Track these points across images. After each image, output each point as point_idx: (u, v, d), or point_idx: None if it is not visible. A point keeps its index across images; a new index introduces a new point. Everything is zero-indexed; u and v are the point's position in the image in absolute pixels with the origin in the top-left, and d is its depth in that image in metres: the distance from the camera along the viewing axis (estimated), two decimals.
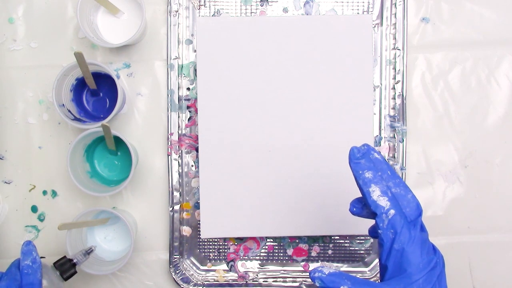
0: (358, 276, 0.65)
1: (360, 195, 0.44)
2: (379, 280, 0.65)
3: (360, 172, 0.43)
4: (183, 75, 0.65)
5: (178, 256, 0.65)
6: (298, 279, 0.65)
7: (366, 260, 0.66)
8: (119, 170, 0.65)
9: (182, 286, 0.64)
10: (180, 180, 0.65)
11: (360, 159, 0.44)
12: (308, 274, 0.65)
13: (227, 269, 0.66)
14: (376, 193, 0.42)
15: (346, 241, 0.66)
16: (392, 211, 0.41)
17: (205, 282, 0.65)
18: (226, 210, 0.62)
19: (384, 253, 0.41)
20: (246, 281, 0.65)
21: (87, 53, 0.65)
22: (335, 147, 0.62)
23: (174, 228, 0.65)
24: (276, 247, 0.66)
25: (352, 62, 0.62)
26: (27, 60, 0.66)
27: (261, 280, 0.65)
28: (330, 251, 0.66)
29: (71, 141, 0.65)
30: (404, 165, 0.64)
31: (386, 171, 0.43)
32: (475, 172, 0.65)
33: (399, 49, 0.64)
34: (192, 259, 0.66)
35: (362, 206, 0.45)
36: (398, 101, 0.64)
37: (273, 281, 0.65)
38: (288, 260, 0.66)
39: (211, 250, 0.66)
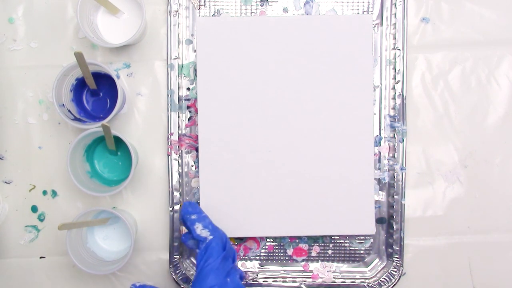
0: (358, 276, 0.65)
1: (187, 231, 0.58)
2: (379, 280, 0.65)
3: (188, 216, 0.57)
4: (183, 75, 0.65)
5: (178, 256, 0.65)
6: (298, 279, 0.65)
7: (366, 260, 0.66)
8: (119, 170, 0.65)
9: (182, 286, 0.64)
10: (180, 180, 0.65)
11: (188, 207, 0.58)
12: (308, 273, 0.65)
13: None
14: (199, 228, 0.56)
15: (346, 241, 0.66)
16: (210, 237, 0.55)
17: None
18: (226, 210, 0.62)
19: (196, 270, 0.54)
20: (246, 281, 0.65)
21: (87, 53, 0.65)
22: (335, 147, 0.62)
23: (174, 228, 0.65)
24: (276, 247, 0.66)
25: (352, 62, 0.62)
26: (27, 60, 0.66)
27: (261, 280, 0.65)
28: (330, 251, 0.66)
29: (71, 141, 0.65)
30: (404, 165, 0.64)
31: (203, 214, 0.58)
32: (475, 172, 0.65)
33: (399, 49, 0.64)
34: (192, 259, 0.66)
35: (190, 238, 0.59)
36: (398, 101, 0.64)
37: (273, 281, 0.65)
38: (288, 260, 0.66)
39: None
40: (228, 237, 0.58)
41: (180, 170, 0.65)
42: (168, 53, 0.64)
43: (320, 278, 0.65)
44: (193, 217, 0.57)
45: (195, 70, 0.64)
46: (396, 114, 0.64)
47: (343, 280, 0.65)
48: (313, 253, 0.66)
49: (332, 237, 0.66)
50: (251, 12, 0.65)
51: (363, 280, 0.65)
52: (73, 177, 0.59)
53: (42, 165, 0.66)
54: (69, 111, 0.61)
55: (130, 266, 0.66)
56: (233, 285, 0.54)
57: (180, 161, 0.65)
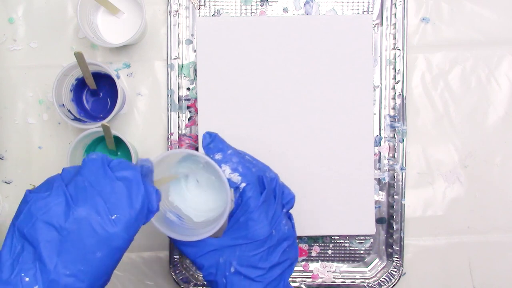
0: (358, 276, 0.65)
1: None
2: (379, 280, 0.65)
3: (210, 156, 0.48)
4: (183, 75, 0.65)
5: (178, 256, 0.65)
6: (298, 279, 0.65)
7: (366, 260, 0.66)
8: None
9: (182, 286, 0.64)
10: None
11: (210, 143, 0.49)
12: (308, 273, 0.65)
13: None
14: (227, 172, 0.47)
15: (346, 241, 0.66)
16: (243, 184, 0.47)
17: (205, 282, 0.65)
18: None
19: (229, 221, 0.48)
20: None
21: (87, 53, 0.65)
22: (335, 147, 0.62)
23: None
24: None
25: (352, 62, 0.62)
26: (27, 60, 0.66)
27: None
28: (330, 251, 0.66)
29: (71, 141, 0.65)
30: (404, 165, 0.64)
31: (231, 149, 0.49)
32: (475, 172, 0.65)
33: (399, 49, 0.64)
34: None
35: None
36: (398, 101, 0.64)
37: None
38: None
39: None
40: (266, 173, 0.49)
41: None
42: (168, 53, 0.64)
43: (320, 278, 0.65)
44: (218, 156, 0.49)
45: (195, 70, 0.64)
46: (396, 114, 0.64)
47: (343, 280, 0.65)
48: (313, 253, 0.66)
49: (332, 237, 0.66)
50: (251, 12, 0.65)
51: (363, 280, 0.65)
52: None
53: (42, 165, 0.66)
54: (69, 111, 0.61)
55: (130, 266, 0.66)
56: (278, 236, 0.48)
57: None
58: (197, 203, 0.54)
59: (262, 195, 0.47)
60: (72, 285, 0.38)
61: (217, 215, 0.51)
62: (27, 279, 0.38)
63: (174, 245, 0.48)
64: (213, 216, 0.52)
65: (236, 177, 0.47)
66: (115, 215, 0.40)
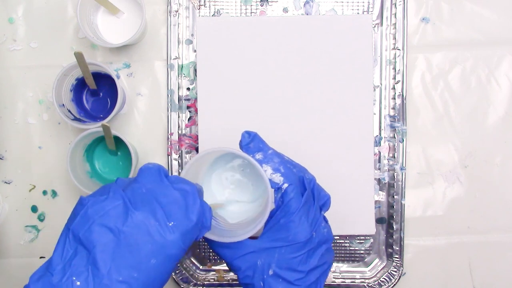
0: (358, 276, 0.65)
1: None
2: (379, 280, 0.65)
3: (250, 155, 0.47)
4: (183, 75, 0.65)
5: None
6: None
7: (366, 260, 0.66)
8: (119, 170, 0.65)
9: (182, 286, 0.64)
10: None
11: (250, 143, 0.48)
12: None
13: (227, 269, 0.65)
14: (268, 172, 0.46)
15: (346, 241, 0.66)
16: (285, 185, 0.46)
17: (205, 282, 0.65)
18: None
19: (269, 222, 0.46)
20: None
21: (87, 53, 0.65)
22: (335, 147, 0.62)
23: None
24: None
25: (352, 62, 0.62)
26: (27, 60, 0.66)
27: None
28: None
29: (71, 141, 0.65)
30: (404, 165, 0.64)
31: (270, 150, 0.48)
32: (475, 172, 0.65)
33: (399, 49, 0.64)
34: (192, 259, 0.66)
35: None
36: (398, 101, 0.64)
37: None
38: None
39: (211, 250, 0.66)
40: (305, 174, 0.48)
41: (180, 170, 0.65)
42: (168, 53, 0.64)
43: None
44: (258, 156, 0.47)
45: (195, 70, 0.64)
46: (396, 114, 0.64)
47: (343, 280, 0.65)
48: None
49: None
50: (251, 12, 0.65)
51: (363, 280, 0.65)
52: (73, 177, 0.59)
53: (42, 165, 0.66)
54: (69, 111, 0.61)
55: None
56: (318, 238, 0.47)
57: (180, 161, 0.65)
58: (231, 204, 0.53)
59: (303, 196, 0.46)
60: None
61: (251, 216, 0.50)
62: (78, 283, 0.36)
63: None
64: (247, 217, 0.51)
65: (278, 178, 0.46)
66: (172, 223, 0.39)
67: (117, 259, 0.37)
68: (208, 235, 0.46)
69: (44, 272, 0.38)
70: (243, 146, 0.48)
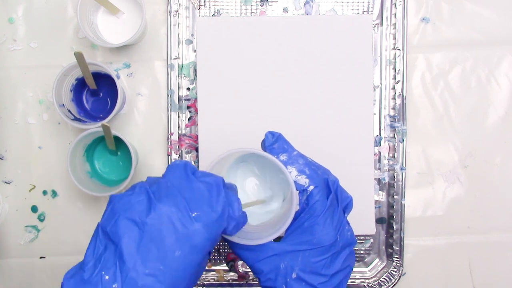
0: (358, 276, 0.65)
1: None
2: (379, 280, 0.65)
3: (275, 156, 0.46)
4: (183, 75, 0.65)
5: None
6: None
7: (366, 260, 0.66)
8: (119, 170, 0.65)
9: None
10: None
11: (274, 144, 0.47)
12: None
13: (227, 269, 0.66)
14: (293, 173, 0.46)
15: None
16: (311, 187, 0.45)
17: (205, 282, 0.65)
18: None
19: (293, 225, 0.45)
20: (246, 281, 0.65)
21: (87, 53, 0.65)
22: (335, 147, 0.62)
23: None
24: None
25: (352, 62, 0.62)
26: (27, 60, 0.66)
27: None
28: None
29: (71, 141, 0.65)
30: (404, 165, 0.64)
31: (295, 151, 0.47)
32: (475, 172, 0.65)
33: (399, 49, 0.64)
34: None
35: None
36: (398, 101, 0.64)
37: None
38: None
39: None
40: (329, 176, 0.47)
41: None
42: (168, 53, 0.64)
43: None
44: (283, 157, 0.46)
45: (195, 70, 0.64)
46: (396, 114, 0.64)
47: None
48: None
49: None
50: (251, 12, 0.65)
51: (363, 280, 0.65)
52: (73, 177, 0.59)
53: (42, 165, 0.66)
54: (69, 111, 0.61)
55: None
56: (342, 242, 0.46)
57: None
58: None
59: (328, 199, 0.45)
60: (151, 286, 0.37)
61: (272, 218, 0.49)
62: (107, 277, 0.37)
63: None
64: (267, 220, 0.50)
65: (303, 180, 0.45)
66: (196, 213, 0.39)
67: (142, 251, 0.38)
68: (233, 238, 0.45)
69: (77, 269, 0.38)
70: (267, 147, 0.47)
